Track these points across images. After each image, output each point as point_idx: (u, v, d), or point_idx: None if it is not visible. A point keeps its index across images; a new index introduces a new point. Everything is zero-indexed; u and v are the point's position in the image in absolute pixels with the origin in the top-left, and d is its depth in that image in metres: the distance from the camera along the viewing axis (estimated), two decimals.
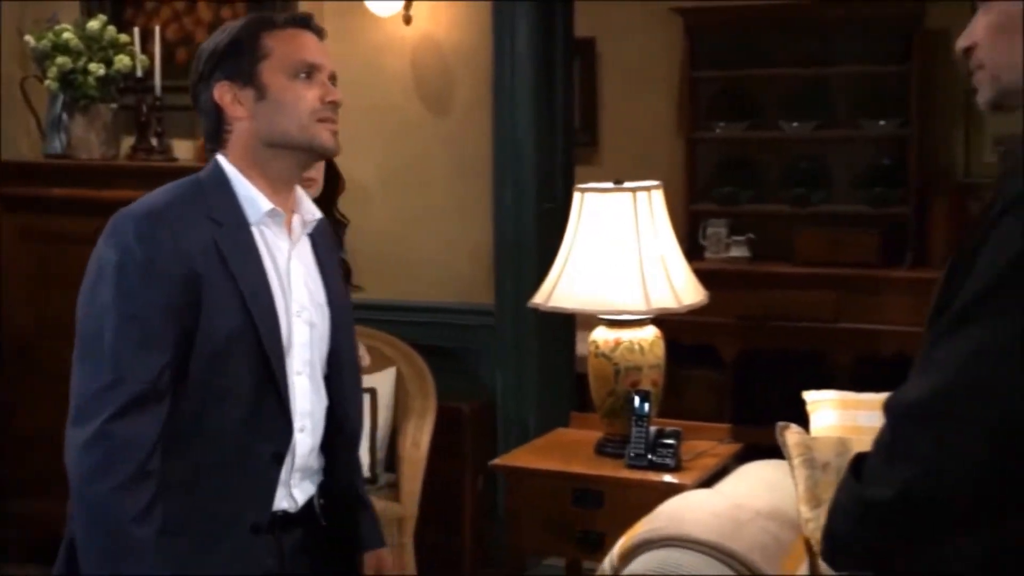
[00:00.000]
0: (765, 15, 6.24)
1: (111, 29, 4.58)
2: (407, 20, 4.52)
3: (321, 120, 2.09)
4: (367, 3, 4.47)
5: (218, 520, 2.04)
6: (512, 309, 4.38)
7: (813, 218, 6.26)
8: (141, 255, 1.95)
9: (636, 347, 3.48)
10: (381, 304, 4.59)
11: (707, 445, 3.60)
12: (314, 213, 2.18)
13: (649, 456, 3.42)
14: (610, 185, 3.50)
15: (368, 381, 4.22)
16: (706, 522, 2.88)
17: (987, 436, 1.47)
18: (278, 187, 2.11)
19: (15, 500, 4.46)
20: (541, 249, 4.25)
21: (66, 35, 4.50)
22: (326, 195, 2.86)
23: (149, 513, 1.94)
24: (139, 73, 4.56)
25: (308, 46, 2.11)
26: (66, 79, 4.50)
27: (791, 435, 3.10)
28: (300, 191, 2.19)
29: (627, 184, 3.50)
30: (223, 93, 2.08)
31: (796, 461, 3.05)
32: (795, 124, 6.30)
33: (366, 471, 4.11)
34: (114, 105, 4.66)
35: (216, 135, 2.12)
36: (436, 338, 4.52)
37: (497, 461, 3.57)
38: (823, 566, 2.71)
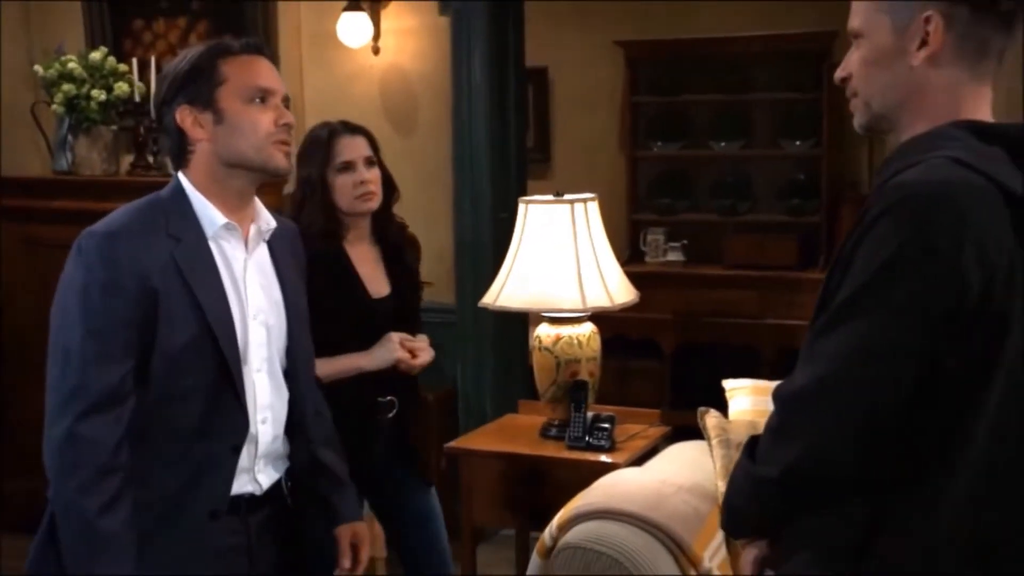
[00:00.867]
0: (696, 48, 6.25)
1: (111, 59, 4.55)
2: (376, 51, 4.50)
3: (275, 142, 2.04)
4: (340, 36, 4.43)
5: (179, 506, 1.99)
6: (471, 308, 4.33)
7: (739, 226, 6.27)
8: (103, 274, 1.91)
9: (575, 341, 3.45)
10: None
11: (638, 428, 3.58)
12: (270, 223, 2.14)
13: (587, 438, 3.40)
14: (551, 197, 3.48)
15: None
16: (633, 496, 2.86)
17: (861, 419, 1.46)
18: (235, 202, 2.06)
19: (19, 479, 4.39)
20: (497, 254, 4.20)
21: (71, 65, 4.46)
22: (385, 203, 2.94)
23: (115, 505, 1.89)
24: (137, 98, 4.51)
25: (262, 72, 2.06)
26: (71, 104, 4.47)
27: (710, 419, 3.09)
28: (258, 203, 2.14)
29: (566, 196, 3.47)
30: (184, 116, 2.02)
31: (714, 442, 3.03)
32: (723, 143, 6.31)
33: None
34: (114, 127, 4.63)
35: (180, 155, 2.06)
36: None
37: (452, 444, 3.54)
38: None
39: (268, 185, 4.21)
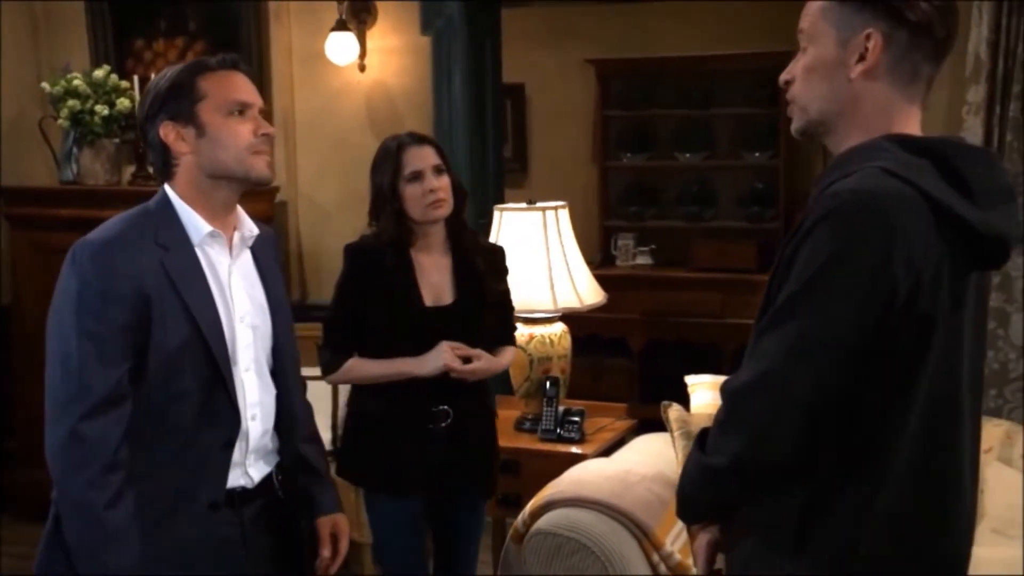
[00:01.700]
0: (662, 66, 6.24)
1: (114, 77, 4.54)
2: (362, 68, 4.49)
3: (256, 152, 2.02)
4: (328, 54, 4.42)
5: (178, 499, 1.98)
6: None
7: (704, 232, 6.26)
8: (97, 282, 1.89)
9: (547, 340, 3.45)
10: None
11: (607, 421, 3.58)
12: (253, 230, 2.11)
13: (558, 431, 3.40)
14: (524, 205, 3.47)
15: None
16: (600, 485, 2.86)
17: (801, 411, 1.47)
18: (219, 211, 2.04)
19: (29, 471, 4.37)
20: None
21: (76, 82, 4.45)
22: (456, 210, 2.81)
23: (120, 500, 1.88)
24: (137, 113, 4.47)
25: (240, 86, 2.03)
26: (76, 118, 4.45)
27: (672, 412, 3.09)
28: (241, 211, 2.11)
29: (538, 204, 3.47)
30: (167, 132, 1.99)
31: (676, 434, 3.03)
32: (687, 155, 6.30)
33: (329, 444, 4.05)
34: (116, 140, 4.61)
35: (165, 168, 2.04)
36: None
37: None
38: None
39: (260, 194, 4.25)
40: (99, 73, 4.49)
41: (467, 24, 4.32)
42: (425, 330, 2.74)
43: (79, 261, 1.90)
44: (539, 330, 3.45)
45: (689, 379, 3.33)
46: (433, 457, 2.77)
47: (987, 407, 3.48)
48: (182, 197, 2.02)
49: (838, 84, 1.55)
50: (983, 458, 1.79)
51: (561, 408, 3.44)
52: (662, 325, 6.01)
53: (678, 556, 2.77)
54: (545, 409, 3.42)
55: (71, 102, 4.40)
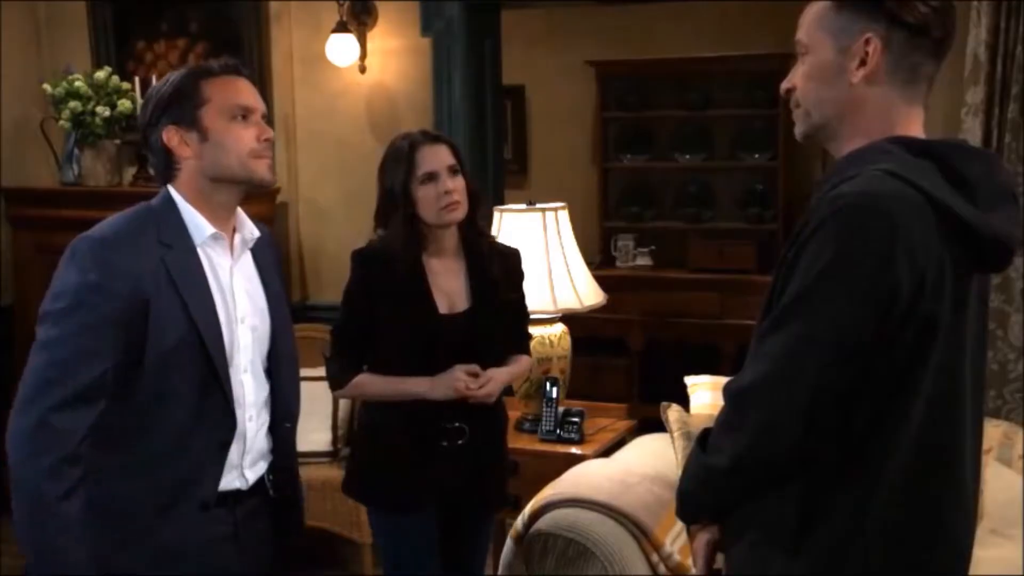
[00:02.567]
0: (661, 68, 6.25)
1: (115, 78, 4.52)
2: (362, 69, 4.48)
3: (258, 156, 2.01)
4: (329, 56, 4.42)
5: (173, 500, 1.97)
6: None
7: (702, 233, 6.27)
8: (95, 276, 1.87)
9: (547, 341, 3.44)
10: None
11: (607, 422, 3.58)
12: (254, 232, 2.11)
13: (558, 431, 3.39)
14: (523, 206, 3.47)
15: None
16: (600, 485, 2.85)
17: (802, 413, 1.46)
18: (220, 213, 2.04)
19: None
20: None
21: (77, 83, 4.44)
22: (470, 214, 2.64)
23: (74, 493, 1.86)
24: (138, 116, 4.47)
25: (242, 91, 2.03)
26: (77, 120, 4.44)
27: (672, 412, 3.09)
28: (242, 213, 2.11)
29: (538, 205, 3.46)
30: (170, 136, 1.99)
31: (676, 434, 3.03)
32: (687, 156, 6.32)
33: (328, 445, 4.05)
34: (117, 141, 4.60)
35: (167, 172, 2.03)
36: None
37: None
38: None
39: (261, 195, 4.24)
40: (100, 74, 4.48)
41: (467, 25, 4.32)
42: (439, 338, 2.60)
43: (78, 254, 1.90)
44: (539, 331, 3.44)
45: (689, 380, 3.32)
46: (446, 475, 2.63)
47: (986, 408, 3.47)
48: (185, 197, 2.01)
49: (840, 89, 1.55)
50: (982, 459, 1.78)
51: (561, 409, 3.43)
52: (661, 326, 6.02)
53: (677, 556, 2.76)
54: (545, 410, 3.41)
55: (72, 103, 4.40)
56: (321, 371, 4.05)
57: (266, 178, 2.04)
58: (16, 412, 1.88)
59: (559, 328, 3.50)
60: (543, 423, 3.40)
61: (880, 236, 1.40)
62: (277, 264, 2.20)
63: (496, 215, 3.46)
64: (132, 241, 1.92)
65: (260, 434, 2.10)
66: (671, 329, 6.01)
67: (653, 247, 6.32)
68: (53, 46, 4.91)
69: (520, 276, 2.79)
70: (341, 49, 4.38)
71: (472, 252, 2.68)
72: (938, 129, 3.15)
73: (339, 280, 4.56)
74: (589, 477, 2.93)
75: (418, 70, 4.45)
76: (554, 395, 3.40)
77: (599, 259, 6.28)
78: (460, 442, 2.63)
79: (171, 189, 2.02)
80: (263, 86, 4.48)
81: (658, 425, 3.22)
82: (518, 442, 3.41)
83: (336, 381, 2.69)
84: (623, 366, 6.18)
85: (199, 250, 2.00)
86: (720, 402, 1.59)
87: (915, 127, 1.56)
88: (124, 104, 4.45)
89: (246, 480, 2.08)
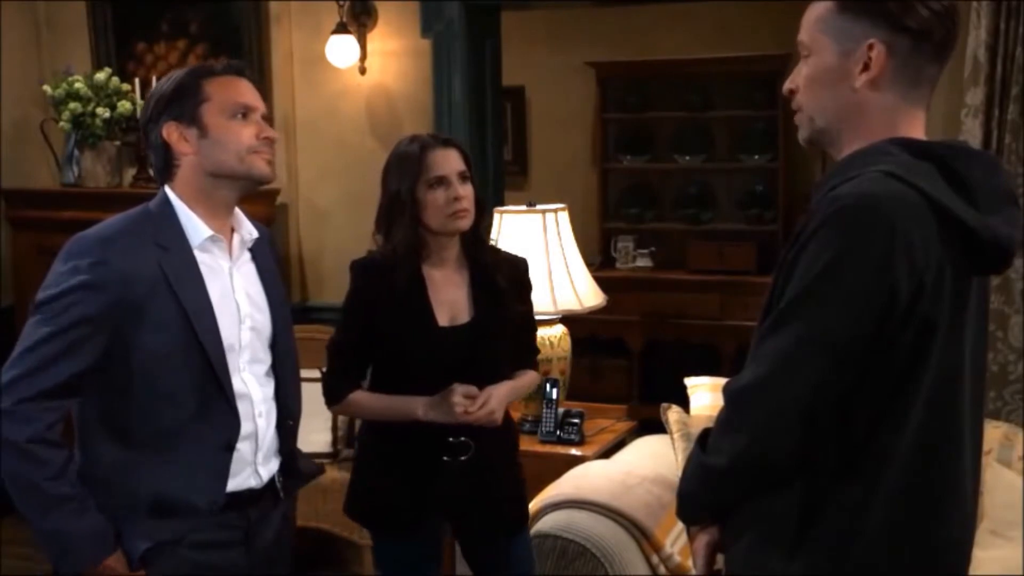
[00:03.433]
0: (661, 69, 6.26)
1: (115, 80, 4.52)
2: (362, 71, 4.48)
3: (256, 152, 2.01)
4: (329, 57, 4.42)
5: (178, 501, 1.96)
6: None
7: (702, 234, 6.27)
8: (88, 275, 1.88)
9: (547, 342, 3.43)
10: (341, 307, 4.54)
11: (607, 423, 3.58)
12: (252, 232, 2.11)
13: (558, 433, 3.39)
14: (523, 207, 3.47)
15: None
16: (600, 487, 2.85)
17: (801, 413, 1.46)
18: (219, 212, 2.04)
19: None
20: None
21: (77, 85, 4.44)
22: (476, 221, 2.51)
23: (63, 473, 1.89)
24: (139, 116, 4.47)
25: (243, 90, 2.04)
26: (77, 121, 4.45)
27: (672, 414, 3.09)
28: (240, 213, 2.11)
29: (538, 206, 3.46)
30: (170, 132, 2.00)
31: (675, 435, 3.03)
32: (686, 157, 6.32)
33: (328, 446, 4.05)
34: (118, 142, 4.61)
35: (166, 169, 2.04)
36: None
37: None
38: None
39: (261, 196, 4.24)
40: (100, 76, 4.48)
41: (467, 27, 4.32)
42: (438, 352, 2.47)
43: (73, 254, 1.91)
44: (539, 332, 3.42)
45: (689, 381, 3.32)
46: (449, 493, 2.49)
47: (986, 409, 3.47)
48: (182, 198, 2.02)
49: (843, 94, 1.54)
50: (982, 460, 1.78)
51: (561, 410, 3.43)
52: (661, 326, 6.02)
53: (678, 557, 2.76)
54: (545, 411, 3.41)
55: (72, 104, 4.40)
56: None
57: (264, 173, 2.04)
58: None
59: (559, 329, 3.50)
60: (543, 424, 3.40)
61: (879, 237, 1.40)
62: (277, 264, 2.21)
63: (496, 216, 3.46)
64: (128, 242, 1.93)
65: (270, 431, 2.10)
66: (671, 330, 6.02)
67: (653, 248, 6.32)
68: (53, 47, 4.91)
69: (528, 287, 2.67)
70: (341, 50, 4.38)
71: (475, 263, 2.56)
72: (938, 130, 3.15)
73: (339, 281, 4.59)
74: (589, 478, 2.94)
75: (418, 71, 4.45)
76: (554, 396, 3.40)
77: (599, 260, 6.28)
78: (463, 458, 2.48)
79: (169, 191, 2.03)
80: (263, 87, 4.47)
81: (658, 426, 3.22)
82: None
83: (332, 397, 2.58)
84: (623, 367, 6.19)
85: (196, 252, 2.00)
86: (720, 403, 1.59)
87: (917, 130, 1.56)
88: (124, 105, 4.45)
89: (260, 478, 2.08)
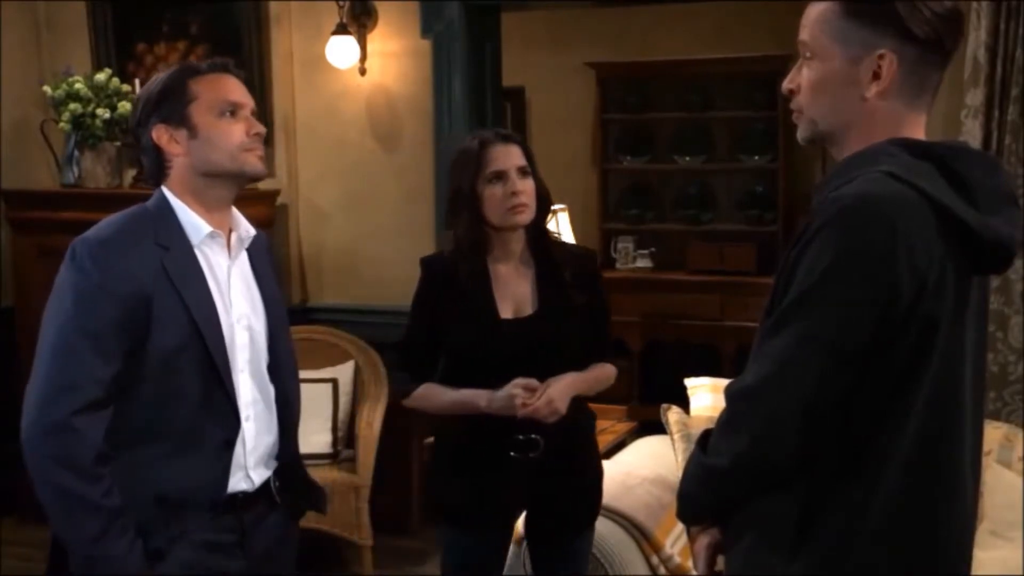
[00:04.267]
0: (661, 70, 6.27)
1: (115, 80, 4.51)
2: (362, 72, 4.48)
3: (247, 150, 2.01)
4: (329, 58, 4.41)
5: (181, 501, 1.96)
6: None
7: (702, 235, 6.28)
8: (96, 278, 1.88)
9: None
10: (341, 307, 4.57)
11: (607, 424, 3.59)
12: (250, 231, 2.11)
13: None
14: None
15: (330, 372, 4.16)
16: None
17: (802, 414, 1.46)
18: (215, 210, 2.04)
19: None
20: None
21: (77, 85, 4.43)
22: (539, 217, 2.53)
23: (113, 489, 1.88)
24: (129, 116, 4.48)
25: (231, 87, 2.03)
26: (78, 122, 4.44)
27: (672, 415, 3.09)
28: (236, 212, 2.11)
29: None
30: (160, 134, 2.00)
31: (676, 436, 3.03)
32: (686, 158, 6.32)
33: (328, 447, 4.06)
34: (118, 143, 4.59)
35: (158, 171, 2.03)
36: (388, 336, 4.44)
37: (432, 439, 3.51)
38: None
39: (260, 197, 4.24)
40: (100, 76, 4.47)
41: (467, 27, 4.32)
42: (501, 343, 2.47)
43: (79, 257, 1.90)
44: None
45: (689, 382, 3.33)
46: (517, 490, 2.51)
47: (986, 410, 3.48)
48: (178, 198, 2.01)
49: (850, 101, 1.53)
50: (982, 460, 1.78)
51: None
52: (661, 327, 6.03)
53: (678, 558, 2.76)
54: None
55: (72, 105, 4.39)
56: (321, 372, 4.10)
57: (257, 170, 2.04)
58: (34, 415, 1.88)
59: None
60: None
61: (881, 238, 1.40)
62: (273, 269, 2.21)
63: None
64: (131, 242, 1.93)
65: (262, 435, 2.09)
66: (671, 331, 6.02)
67: (653, 249, 6.32)
68: (53, 48, 4.91)
69: (595, 278, 2.64)
70: (341, 51, 4.38)
71: (541, 256, 2.56)
72: (938, 131, 3.15)
73: (339, 281, 4.64)
74: None
75: (418, 72, 4.45)
76: None
77: (600, 261, 6.27)
78: (532, 455, 2.46)
79: (165, 190, 2.03)
80: (263, 88, 4.48)
81: (658, 427, 3.23)
82: None
83: (402, 392, 2.60)
84: (623, 368, 6.10)
85: (197, 250, 2.00)
86: (720, 404, 1.59)
87: (918, 132, 1.56)
88: (124, 106, 4.44)
89: (252, 481, 2.07)
